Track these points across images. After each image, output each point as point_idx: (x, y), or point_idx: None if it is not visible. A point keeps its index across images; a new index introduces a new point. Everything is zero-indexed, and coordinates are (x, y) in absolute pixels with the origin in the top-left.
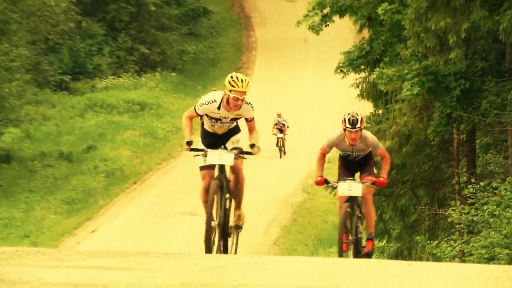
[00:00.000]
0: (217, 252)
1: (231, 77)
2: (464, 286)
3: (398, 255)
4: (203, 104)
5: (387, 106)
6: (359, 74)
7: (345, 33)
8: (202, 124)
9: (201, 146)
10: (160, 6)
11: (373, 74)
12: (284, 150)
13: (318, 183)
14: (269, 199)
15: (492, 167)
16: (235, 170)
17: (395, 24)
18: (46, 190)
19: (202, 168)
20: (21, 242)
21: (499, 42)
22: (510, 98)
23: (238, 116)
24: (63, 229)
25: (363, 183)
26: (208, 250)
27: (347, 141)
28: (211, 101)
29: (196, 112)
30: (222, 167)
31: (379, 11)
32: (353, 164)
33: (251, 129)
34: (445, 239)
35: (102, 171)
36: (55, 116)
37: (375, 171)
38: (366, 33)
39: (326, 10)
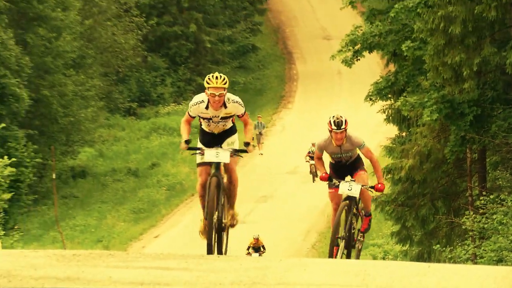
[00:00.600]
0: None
1: (207, 76)
2: (476, 284)
3: (419, 258)
4: (192, 105)
5: (409, 130)
6: (385, 101)
7: (373, 66)
8: (200, 124)
9: (199, 145)
10: (215, 44)
11: (398, 101)
12: (317, 174)
13: (323, 179)
14: (307, 211)
15: (500, 182)
16: (228, 170)
17: (416, 59)
18: (116, 201)
19: (199, 164)
20: (95, 246)
21: (506, 74)
22: None
23: (228, 115)
24: (130, 235)
25: (362, 186)
26: (210, 244)
27: (333, 142)
28: (199, 102)
29: (190, 115)
30: (218, 165)
31: (403, 47)
32: (344, 168)
33: (245, 123)
34: (460, 244)
35: (164, 185)
36: (124, 138)
37: (366, 170)
38: (392, 67)
39: (357, 47)
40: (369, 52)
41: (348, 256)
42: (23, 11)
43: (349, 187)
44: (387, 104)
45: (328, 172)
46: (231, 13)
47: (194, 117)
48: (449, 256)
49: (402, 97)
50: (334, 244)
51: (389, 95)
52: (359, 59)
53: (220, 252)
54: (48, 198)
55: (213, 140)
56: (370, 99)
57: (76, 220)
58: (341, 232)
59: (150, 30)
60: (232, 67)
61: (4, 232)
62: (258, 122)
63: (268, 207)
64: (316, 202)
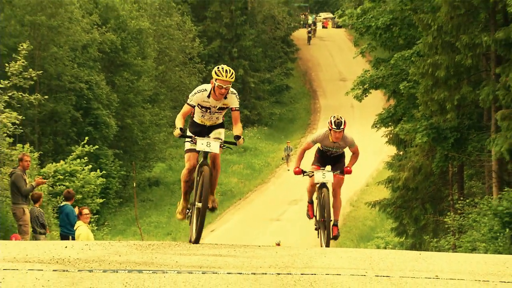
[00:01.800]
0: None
1: (217, 67)
2: (456, 268)
3: (412, 247)
4: (196, 93)
5: (405, 149)
6: (387, 128)
7: (378, 101)
8: (192, 117)
9: (189, 134)
10: (258, 84)
11: (396, 128)
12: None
13: (296, 173)
14: None
15: (474, 189)
16: (214, 157)
17: (411, 95)
18: None
19: (187, 151)
20: (165, 238)
21: (479, 107)
22: (486, 144)
23: (225, 106)
24: None
25: (334, 173)
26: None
27: (330, 139)
28: (202, 90)
29: (189, 104)
30: (206, 154)
31: (401, 87)
32: (328, 158)
33: (235, 120)
34: (443, 236)
35: (218, 191)
36: None
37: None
38: (392, 101)
39: (366, 86)
40: (375, 90)
41: (328, 241)
42: (112, 59)
43: (323, 175)
44: (388, 130)
45: (314, 156)
46: (270, 61)
47: (193, 107)
48: (435, 246)
49: (399, 125)
50: (311, 201)
51: (390, 123)
52: (367, 95)
53: (199, 234)
54: (130, 202)
55: (203, 131)
56: (376, 126)
57: (151, 218)
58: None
59: (207, 73)
60: (270, 102)
61: (96, 227)
62: (287, 146)
63: (298, 208)
64: None
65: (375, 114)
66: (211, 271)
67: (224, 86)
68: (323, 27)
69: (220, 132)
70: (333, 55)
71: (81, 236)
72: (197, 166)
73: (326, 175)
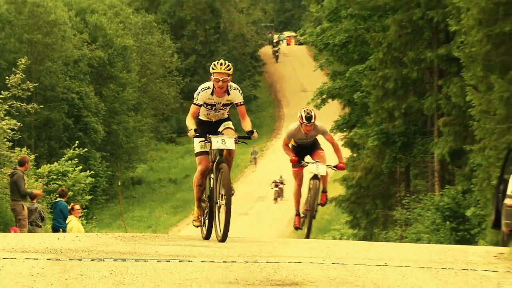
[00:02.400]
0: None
1: (213, 62)
2: (402, 256)
3: (364, 238)
4: (200, 92)
5: (359, 152)
6: (343, 133)
7: (335, 110)
8: (197, 116)
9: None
10: None
11: (351, 133)
12: (277, 198)
13: (292, 161)
14: (290, 206)
15: (419, 187)
16: (231, 155)
17: (363, 104)
18: (161, 200)
19: (198, 154)
20: (146, 230)
21: (424, 115)
22: (429, 147)
23: (229, 102)
24: (171, 223)
25: (326, 166)
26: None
27: (302, 131)
28: (206, 88)
29: (196, 104)
30: (221, 152)
31: (355, 96)
32: (305, 149)
33: (243, 115)
34: (392, 228)
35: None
36: (167, 158)
37: (323, 149)
38: (347, 110)
39: (324, 96)
40: (332, 100)
41: (310, 225)
42: (100, 73)
43: (316, 167)
44: (343, 135)
45: (291, 150)
46: (240, 74)
47: (201, 106)
48: (385, 237)
49: (353, 130)
50: (298, 213)
51: (345, 129)
52: (325, 105)
53: (226, 230)
54: (116, 198)
55: (211, 127)
56: (333, 131)
57: (134, 213)
58: (302, 208)
59: (185, 85)
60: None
61: (86, 221)
62: (253, 150)
63: (263, 204)
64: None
65: (332, 121)
66: (187, 259)
67: (221, 79)
68: (287, 44)
69: (229, 123)
70: (296, 69)
71: (74, 229)
72: (214, 165)
73: (319, 167)
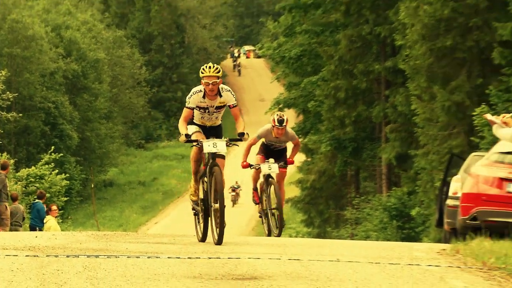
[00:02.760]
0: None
1: (202, 66)
2: (353, 252)
3: (318, 236)
4: (192, 95)
5: (313, 156)
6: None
7: (291, 117)
8: (192, 118)
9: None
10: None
11: (305, 139)
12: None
13: (244, 167)
14: (248, 206)
15: (368, 189)
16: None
17: (317, 113)
18: (131, 201)
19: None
20: (118, 229)
21: (372, 122)
22: (377, 152)
23: (222, 104)
24: (140, 222)
25: (279, 165)
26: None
27: (273, 134)
28: (198, 91)
29: (188, 107)
30: (214, 155)
31: (309, 105)
32: (272, 152)
33: (236, 117)
34: (343, 227)
35: (161, 191)
36: (136, 162)
37: (286, 168)
38: (301, 117)
39: (281, 105)
40: (288, 108)
41: (281, 223)
42: (74, 84)
43: (269, 167)
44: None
45: (259, 148)
46: None
47: (193, 109)
48: (337, 235)
49: (308, 136)
50: (256, 189)
51: (300, 135)
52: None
53: (221, 234)
54: (89, 199)
55: (204, 132)
56: None
57: (106, 213)
58: (265, 205)
59: (152, 95)
60: None
61: (62, 220)
62: (234, 186)
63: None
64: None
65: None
66: (155, 255)
67: (210, 82)
68: (246, 57)
69: (222, 148)
70: (254, 80)
71: (51, 228)
72: (207, 167)
73: (271, 167)
